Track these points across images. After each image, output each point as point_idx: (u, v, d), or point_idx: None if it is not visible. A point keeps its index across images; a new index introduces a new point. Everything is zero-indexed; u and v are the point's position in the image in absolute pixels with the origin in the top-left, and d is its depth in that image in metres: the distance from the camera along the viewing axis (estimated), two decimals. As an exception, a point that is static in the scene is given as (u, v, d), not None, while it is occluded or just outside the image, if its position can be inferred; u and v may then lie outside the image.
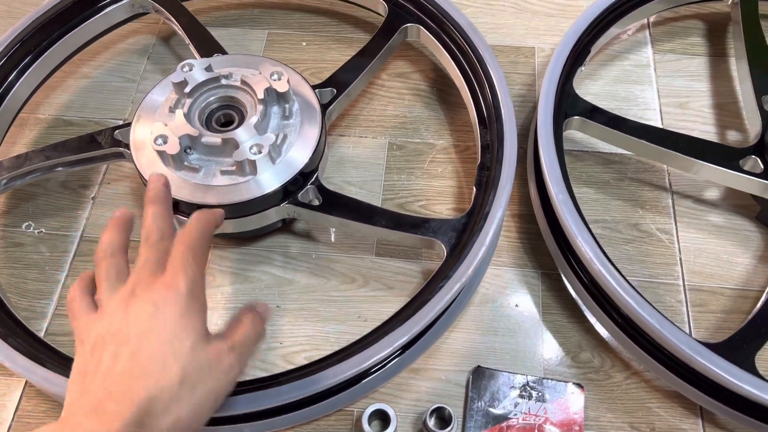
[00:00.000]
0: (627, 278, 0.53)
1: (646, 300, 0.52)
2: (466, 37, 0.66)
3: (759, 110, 0.63)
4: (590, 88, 0.74)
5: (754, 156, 0.60)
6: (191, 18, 0.71)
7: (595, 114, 0.64)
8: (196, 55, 0.68)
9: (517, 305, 0.61)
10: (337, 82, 0.65)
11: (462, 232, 0.57)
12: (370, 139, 0.71)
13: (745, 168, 0.60)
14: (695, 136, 0.63)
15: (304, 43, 0.78)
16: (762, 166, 0.60)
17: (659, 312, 0.51)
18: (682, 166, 0.63)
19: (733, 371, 0.49)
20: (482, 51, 0.64)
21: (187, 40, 0.70)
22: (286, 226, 0.65)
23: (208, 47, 0.68)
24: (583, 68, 0.68)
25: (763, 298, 0.54)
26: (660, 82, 0.74)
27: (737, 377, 0.48)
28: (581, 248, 0.54)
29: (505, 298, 0.61)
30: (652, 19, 0.79)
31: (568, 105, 0.64)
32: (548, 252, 0.62)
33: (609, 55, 0.77)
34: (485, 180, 0.59)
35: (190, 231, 0.43)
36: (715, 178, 0.62)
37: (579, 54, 0.67)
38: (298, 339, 0.59)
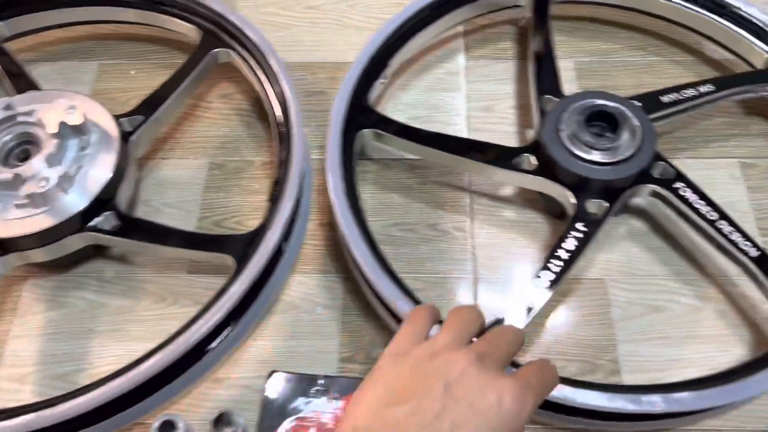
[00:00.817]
0: (399, 275, 0.58)
1: (407, 293, 0.56)
2: (265, 58, 0.69)
3: (538, 110, 0.68)
4: (403, 98, 0.78)
5: (527, 154, 0.65)
6: (10, 58, 0.74)
7: (386, 125, 0.68)
8: (13, 92, 0.70)
9: (318, 309, 0.64)
10: (145, 109, 0.69)
11: (249, 246, 0.60)
12: (192, 160, 0.74)
13: (521, 166, 0.65)
14: (477, 139, 0.67)
15: (133, 72, 0.81)
16: (535, 163, 0.64)
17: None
18: (468, 169, 0.68)
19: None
20: (278, 71, 0.68)
21: (5, 79, 0.72)
22: (101, 251, 0.68)
23: (24, 85, 0.71)
24: (384, 80, 0.72)
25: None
26: (469, 88, 0.79)
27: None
28: (353, 253, 0.58)
29: (308, 303, 0.65)
30: (467, 27, 0.84)
31: (363, 118, 0.68)
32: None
33: (423, 65, 0.81)
34: (278, 194, 0.63)
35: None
36: (497, 177, 0.67)
37: (376, 68, 0.71)
38: (106, 359, 0.62)
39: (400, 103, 0.78)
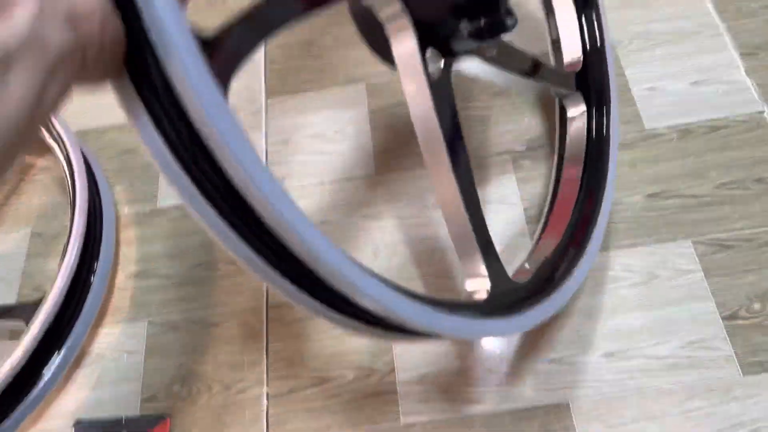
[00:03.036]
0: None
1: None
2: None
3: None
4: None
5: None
6: None
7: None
8: None
9: (124, 356, 0.70)
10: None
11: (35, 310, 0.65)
12: (14, 233, 0.80)
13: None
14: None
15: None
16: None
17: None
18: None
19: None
20: (65, 138, 0.74)
21: None
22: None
23: None
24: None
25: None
26: (269, 125, 0.84)
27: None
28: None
29: (114, 352, 0.70)
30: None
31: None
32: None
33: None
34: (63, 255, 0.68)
35: None
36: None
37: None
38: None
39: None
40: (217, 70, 0.32)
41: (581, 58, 0.70)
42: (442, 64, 0.49)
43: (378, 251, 0.72)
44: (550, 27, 0.72)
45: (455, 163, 0.50)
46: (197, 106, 0.30)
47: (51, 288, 0.65)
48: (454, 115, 0.51)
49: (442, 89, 0.48)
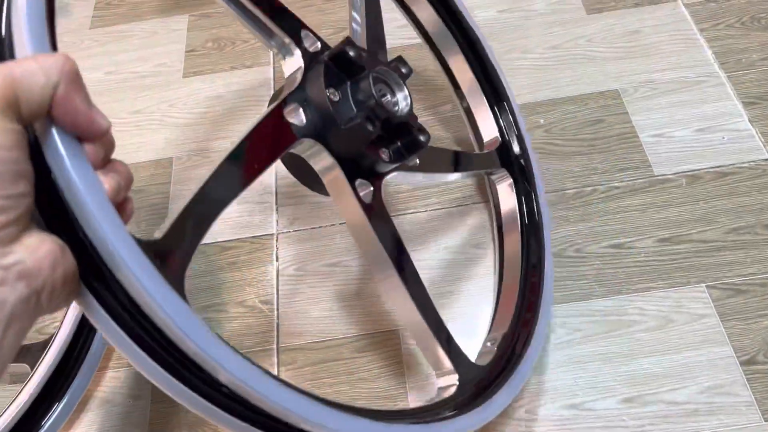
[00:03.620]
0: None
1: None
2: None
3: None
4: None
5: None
6: None
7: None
8: None
9: (130, 402, 0.67)
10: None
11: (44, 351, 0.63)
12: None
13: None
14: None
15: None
16: (316, 233, 0.69)
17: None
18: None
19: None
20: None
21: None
22: None
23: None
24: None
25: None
26: (279, 165, 0.84)
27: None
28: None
29: (120, 396, 0.68)
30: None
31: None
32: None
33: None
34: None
35: None
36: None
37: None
38: None
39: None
40: (171, 272, 0.35)
41: (498, 136, 0.73)
42: (371, 188, 0.54)
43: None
44: (462, 107, 0.76)
45: (401, 271, 0.54)
46: (162, 321, 0.33)
47: (58, 331, 0.63)
48: (393, 229, 0.55)
49: (376, 209, 0.54)
